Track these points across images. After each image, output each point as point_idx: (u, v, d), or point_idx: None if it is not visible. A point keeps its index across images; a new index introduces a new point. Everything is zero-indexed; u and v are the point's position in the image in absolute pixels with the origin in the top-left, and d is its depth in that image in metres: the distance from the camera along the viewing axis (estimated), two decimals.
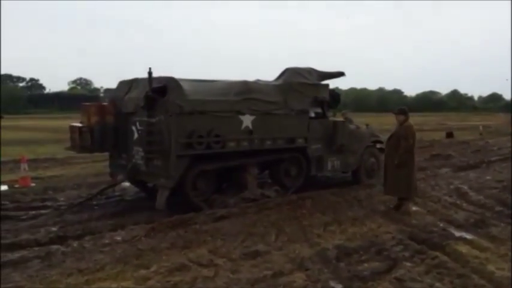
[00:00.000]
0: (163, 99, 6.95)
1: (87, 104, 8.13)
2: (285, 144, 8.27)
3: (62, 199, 8.51)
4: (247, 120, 7.67)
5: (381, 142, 9.91)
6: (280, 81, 8.63)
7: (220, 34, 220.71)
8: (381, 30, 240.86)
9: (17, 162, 12.29)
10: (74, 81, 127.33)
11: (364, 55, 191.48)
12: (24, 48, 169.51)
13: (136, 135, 7.46)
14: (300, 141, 8.48)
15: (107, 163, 13.85)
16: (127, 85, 8.02)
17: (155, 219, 6.76)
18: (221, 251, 5.37)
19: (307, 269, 4.76)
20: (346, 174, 10.08)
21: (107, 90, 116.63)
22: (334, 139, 8.95)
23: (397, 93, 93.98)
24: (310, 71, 8.97)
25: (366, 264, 4.95)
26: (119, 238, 5.91)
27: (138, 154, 7.40)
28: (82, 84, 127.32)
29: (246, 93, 7.71)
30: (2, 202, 7.98)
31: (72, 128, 8.03)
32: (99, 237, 5.93)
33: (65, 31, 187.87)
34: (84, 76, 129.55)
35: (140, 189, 8.91)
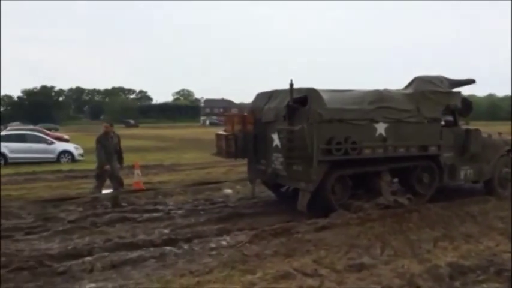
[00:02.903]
0: (304, 109, 7.38)
1: (231, 114, 9.06)
2: (417, 151, 8.26)
3: (171, 203, 9.08)
4: (381, 128, 7.80)
5: None
6: (411, 90, 8.64)
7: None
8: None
9: (130, 168, 13.36)
10: (178, 93, 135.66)
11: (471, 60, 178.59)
12: (134, 62, 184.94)
13: (275, 143, 7.94)
14: (433, 149, 8.40)
15: (207, 170, 14.70)
16: (266, 96, 8.64)
17: (258, 227, 6.94)
18: (325, 261, 5.32)
19: (418, 286, 4.53)
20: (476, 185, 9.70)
21: (207, 101, 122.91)
22: (467, 147, 8.78)
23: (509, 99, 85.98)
24: (442, 79, 8.88)
25: (484, 285, 4.58)
26: (224, 243, 6.14)
27: (278, 160, 7.94)
28: (185, 95, 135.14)
29: (379, 101, 7.86)
30: (122, 204, 8.80)
31: (218, 135, 8.90)
32: (206, 241, 6.21)
33: (169, 45, 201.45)
34: (186, 87, 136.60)
35: (273, 192, 9.50)
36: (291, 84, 7.39)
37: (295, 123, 7.36)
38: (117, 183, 9.01)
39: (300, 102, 7.47)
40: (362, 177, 8.02)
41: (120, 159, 9.23)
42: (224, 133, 8.70)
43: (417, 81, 8.80)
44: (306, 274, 4.89)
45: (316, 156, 7.23)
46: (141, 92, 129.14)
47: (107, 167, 8.75)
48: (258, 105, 8.71)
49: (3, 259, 5.34)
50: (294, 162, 7.49)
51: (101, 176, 8.93)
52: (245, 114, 8.84)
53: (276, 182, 8.63)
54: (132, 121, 78.81)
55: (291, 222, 7.17)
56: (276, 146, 7.93)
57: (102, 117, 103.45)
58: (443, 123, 8.72)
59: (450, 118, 8.96)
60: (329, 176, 7.53)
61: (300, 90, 7.51)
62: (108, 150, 8.82)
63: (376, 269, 5.05)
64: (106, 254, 5.54)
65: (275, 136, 7.90)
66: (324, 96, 7.46)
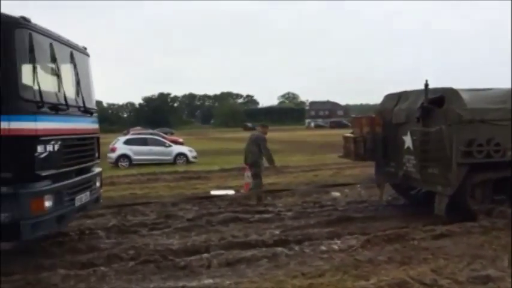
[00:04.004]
0: (441, 110, 7.19)
1: (359, 116, 9.16)
2: None
3: (280, 205, 9.23)
4: None
5: None
6: None
7: None
8: None
9: (240, 170, 13.86)
10: (283, 96, 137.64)
11: None
12: (241, 67, 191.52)
13: (407, 144, 7.80)
14: None
15: (314, 173, 14.67)
16: (395, 98, 8.54)
17: (369, 231, 6.75)
18: (445, 271, 5.00)
19: None
20: None
21: (312, 103, 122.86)
22: None
23: None
24: None
25: None
26: (335, 247, 6.07)
27: (410, 162, 7.73)
28: (290, 98, 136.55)
29: None
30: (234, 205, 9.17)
31: (346, 138, 9.00)
32: (317, 243, 6.19)
33: (273, 49, 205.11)
34: (291, 90, 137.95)
35: (401, 195, 9.29)
36: (426, 85, 7.21)
37: (431, 124, 7.17)
38: (261, 180, 9.61)
39: (435, 103, 7.25)
40: (504, 181, 7.42)
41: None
42: (352, 135, 8.72)
43: None
44: (424, 284, 4.64)
45: (456, 158, 6.92)
46: (247, 96, 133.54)
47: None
48: (387, 107, 8.63)
49: (131, 252, 5.89)
50: (429, 164, 7.22)
51: (259, 176, 9.57)
52: (373, 116, 8.81)
53: (407, 185, 8.40)
54: (249, 124, 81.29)
55: (405, 228, 6.87)
56: (408, 148, 7.75)
57: (212, 121, 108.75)
58: None
59: None
60: (468, 180, 7.17)
61: (435, 90, 7.31)
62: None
63: (504, 283, 4.63)
64: (222, 251, 5.80)
65: (407, 138, 7.74)
66: (464, 96, 7.17)
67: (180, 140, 30.19)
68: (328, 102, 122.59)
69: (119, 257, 5.70)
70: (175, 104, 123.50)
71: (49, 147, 5.07)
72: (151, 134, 27.66)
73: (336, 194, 10.51)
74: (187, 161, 20.39)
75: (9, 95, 4.75)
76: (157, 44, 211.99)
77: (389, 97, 8.83)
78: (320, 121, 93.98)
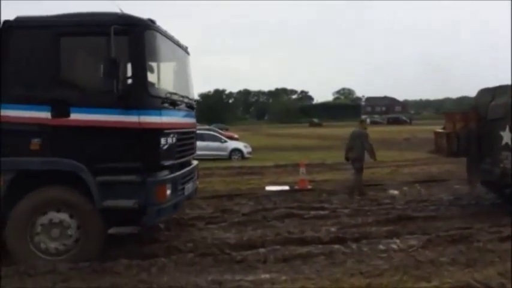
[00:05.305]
0: None
1: (452, 111, 8.97)
2: None
3: (335, 202, 9.11)
4: None
5: None
6: None
7: None
8: None
9: (295, 166, 13.81)
10: (338, 92, 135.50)
11: None
12: (297, 64, 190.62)
13: (505, 140, 7.57)
14: None
15: (371, 170, 14.30)
16: (490, 92, 8.30)
17: (430, 231, 6.52)
18: None
19: None
20: None
21: (368, 99, 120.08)
22: None
23: None
24: None
25: None
26: (394, 246, 5.92)
27: (508, 159, 7.50)
28: (345, 93, 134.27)
29: None
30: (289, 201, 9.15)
31: (438, 133, 8.99)
32: (375, 242, 6.06)
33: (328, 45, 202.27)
34: (347, 86, 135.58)
35: (495, 193, 9.00)
36: None
37: None
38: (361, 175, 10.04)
39: None
40: None
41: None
42: (444, 131, 8.61)
43: None
44: (490, 287, 4.41)
45: None
46: (302, 92, 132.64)
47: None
48: (482, 102, 8.38)
49: (190, 244, 6.04)
50: None
51: (361, 170, 9.98)
52: (467, 111, 8.67)
53: (505, 182, 8.07)
54: (316, 120, 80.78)
55: (469, 229, 6.57)
56: (506, 144, 7.49)
57: (266, 117, 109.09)
58: None
59: None
60: None
61: None
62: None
63: None
64: (278, 247, 5.80)
65: (505, 134, 7.50)
66: None
67: (236, 135, 30.54)
68: (385, 98, 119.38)
69: (178, 249, 5.88)
70: (230, 101, 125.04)
71: (169, 140, 5.48)
72: (208, 129, 28.17)
73: (394, 192, 10.22)
74: (242, 157, 20.61)
75: (139, 91, 5.21)
76: (212, 42, 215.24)
77: (484, 92, 8.53)
78: (377, 117, 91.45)
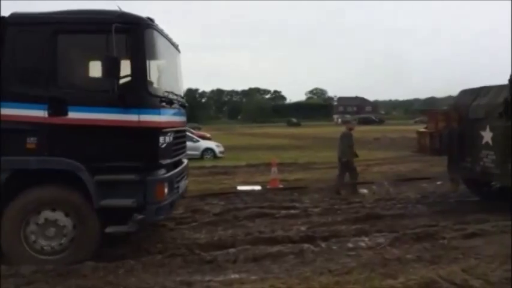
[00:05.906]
0: None
1: (434, 111, 9.38)
2: None
3: (307, 201, 9.17)
4: None
5: None
6: None
7: None
8: None
9: (267, 165, 13.84)
10: (311, 91, 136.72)
11: None
12: (270, 63, 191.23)
13: (486, 140, 7.80)
14: None
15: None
16: (473, 93, 8.55)
17: (398, 229, 6.65)
18: (476, 271, 4.84)
19: None
20: None
21: (340, 99, 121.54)
22: None
23: None
24: None
25: None
26: (363, 244, 6.01)
27: (488, 157, 7.76)
28: (318, 93, 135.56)
29: None
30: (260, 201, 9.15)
31: (421, 133, 9.17)
32: (344, 240, 6.14)
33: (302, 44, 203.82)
34: (319, 86, 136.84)
35: (473, 191, 9.19)
36: (511, 80, 7.30)
37: None
38: (355, 173, 10.34)
39: None
40: None
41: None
42: (427, 130, 8.82)
43: None
44: (454, 284, 4.52)
45: None
46: (275, 92, 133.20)
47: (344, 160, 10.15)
48: (463, 102, 8.64)
49: (159, 245, 5.97)
50: (510, 160, 7.20)
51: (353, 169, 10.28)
52: (448, 111, 8.94)
53: (483, 181, 8.42)
54: (294, 119, 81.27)
55: (435, 226, 6.73)
56: (487, 143, 7.76)
57: (239, 117, 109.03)
58: None
59: None
60: None
61: None
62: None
63: None
64: (248, 246, 5.81)
65: (485, 133, 7.74)
66: None
67: (208, 135, 30.34)
68: (356, 98, 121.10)
69: (147, 250, 5.80)
70: (203, 100, 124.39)
71: (167, 139, 5.45)
72: None
73: (364, 191, 10.38)
74: (215, 156, 20.50)
75: (139, 90, 5.16)
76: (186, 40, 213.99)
77: (466, 92, 8.81)
78: (348, 117, 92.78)
